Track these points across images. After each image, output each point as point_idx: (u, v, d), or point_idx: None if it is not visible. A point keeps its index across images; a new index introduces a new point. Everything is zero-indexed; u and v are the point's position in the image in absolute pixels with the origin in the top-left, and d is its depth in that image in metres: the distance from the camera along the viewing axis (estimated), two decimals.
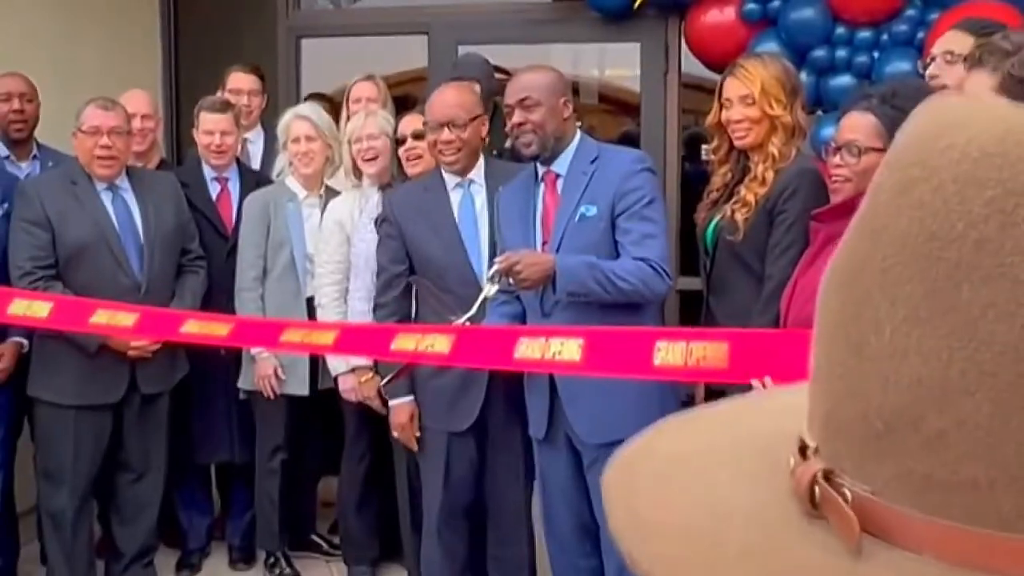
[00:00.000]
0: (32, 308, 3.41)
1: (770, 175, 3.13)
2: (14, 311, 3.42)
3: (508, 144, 4.06)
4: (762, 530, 0.57)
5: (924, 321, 0.51)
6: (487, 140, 3.74)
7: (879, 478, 0.53)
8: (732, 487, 0.60)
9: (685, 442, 0.67)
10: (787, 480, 0.57)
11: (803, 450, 0.58)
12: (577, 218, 3.21)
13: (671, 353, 2.55)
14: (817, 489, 0.55)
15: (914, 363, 0.51)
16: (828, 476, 0.55)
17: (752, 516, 0.58)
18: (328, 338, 3.19)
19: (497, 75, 4.66)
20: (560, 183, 3.29)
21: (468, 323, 2.95)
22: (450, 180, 3.61)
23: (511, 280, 3.03)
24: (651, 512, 0.61)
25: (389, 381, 3.39)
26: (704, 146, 4.65)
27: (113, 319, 3.35)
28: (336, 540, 4.57)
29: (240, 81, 4.86)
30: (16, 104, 4.30)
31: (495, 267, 3.02)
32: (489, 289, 3.03)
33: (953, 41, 3.35)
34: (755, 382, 2.45)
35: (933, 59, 3.39)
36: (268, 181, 4.45)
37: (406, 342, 3.00)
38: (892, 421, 0.52)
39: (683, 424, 0.71)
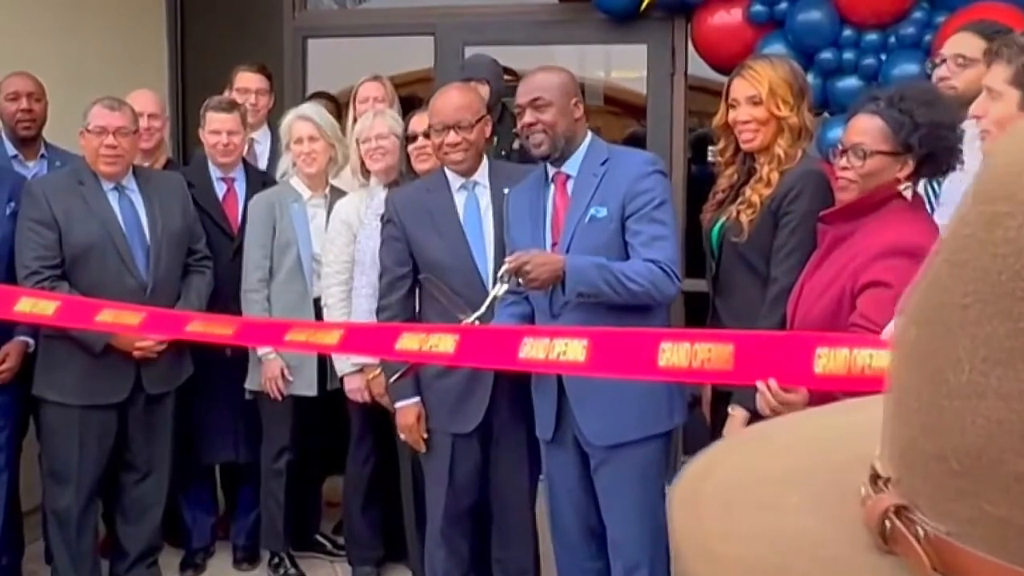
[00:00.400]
0: (38, 306, 3.41)
1: (775, 176, 3.13)
2: (21, 308, 3.42)
3: (516, 145, 4.06)
4: (829, 564, 0.56)
5: (1005, 362, 0.49)
6: (494, 141, 3.74)
7: (955, 518, 0.52)
8: (799, 515, 0.59)
9: (749, 463, 0.66)
10: (857, 509, 0.56)
11: (875, 479, 0.56)
12: (587, 219, 3.20)
13: (676, 354, 2.54)
14: (888, 523, 0.54)
15: (993, 404, 0.50)
16: (901, 511, 0.54)
17: (819, 548, 0.56)
18: (333, 337, 3.18)
19: (504, 76, 4.66)
20: (570, 184, 3.29)
21: (477, 323, 2.95)
22: (454, 181, 3.61)
23: (520, 280, 3.02)
24: (719, 544, 0.60)
25: (396, 379, 3.39)
26: (711, 147, 4.66)
27: (119, 318, 3.35)
28: (340, 540, 4.57)
29: (247, 80, 4.87)
30: (24, 103, 4.30)
31: (504, 267, 3.01)
32: (498, 289, 3.02)
33: (963, 44, 3.35)
34: (759, 384, 2.45)
35: (943, 61, 3.39)
36: (274, 181, 4.46)
37: (411, 342, 2.99)
38: (970, 462, 0.51)
39: (746, 442, 0.70)
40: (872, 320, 2.48)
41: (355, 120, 4.41)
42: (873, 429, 0.58)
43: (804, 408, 0.82)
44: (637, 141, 5.47)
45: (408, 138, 3.89)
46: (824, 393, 2.27)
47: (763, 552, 0.58)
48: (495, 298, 3.05)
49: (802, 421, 0.72)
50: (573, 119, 3.27)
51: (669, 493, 0.66)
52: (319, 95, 5.35)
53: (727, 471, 0.66)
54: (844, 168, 2.75)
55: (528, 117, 3.24)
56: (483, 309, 2.99)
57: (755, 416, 3.03)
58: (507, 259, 3.05)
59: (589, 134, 3.35)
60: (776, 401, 2.40)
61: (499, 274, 3.03)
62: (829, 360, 2.23)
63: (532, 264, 3.00)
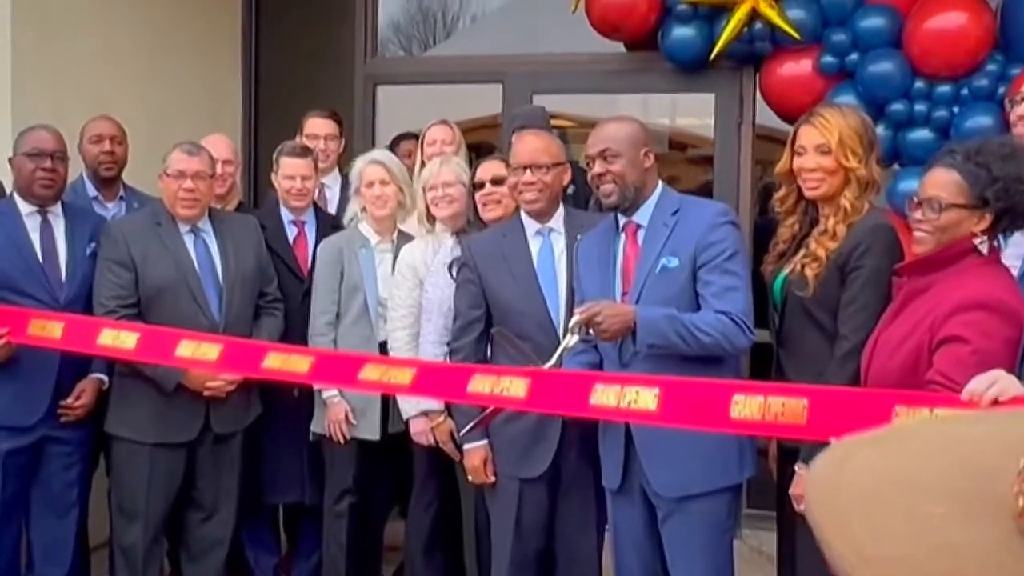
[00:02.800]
0: (120, 338, 3.48)
1: (841, 229, 3.08)
2: (103, 342, 3.49)
3: (584, 196, 4.08)
4: (998, 572, 0.57)
5: None
6: (570, 189, 3.76)
7: None
8: (952, 524, 0.60)
9: (885, 464, 0.67)
10: (1009, 520, 0.58)
11: None
12: (658, 269, 3.18)
13: (748, 407, 2.52)
14: None
15: None
16: None
17: (986, 558, 0.58)
18: (406, 376, 3.19)
19: (572, 125, 4.70)
20: (641, 234, 3.27)
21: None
22: (530, 227, 3.63)
23: (591, 331, 3.00)
24: (874, 546, 0.61)
25: (470, 430, 3.39)
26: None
27: (198, 351, 3.40)
28: None
29: (317, 126, 4.94)
30: (107, 146, 4.42)
31: (576, 317, 2.99)
32: (569, 340, 3.00)
33: None
34: (833, 440, 2.42)
35: (1023, 99, 3.35)
36: (344, 226, 4.51)
37: (482, 384, 3.00)
38: None
39: (874, 445, 0.71)
40: (950, 378, 2.44)
41: (423, 164, 4.46)
42: (1007, 441, 0.60)
43: None
44: (704, 190, 5.46)
45: (475, 185, 3.92)
46: None
47: (922, 558, 0.59)
48: (565, 349, 3.03)
49: (927, 428, 0.74)
50: (643, 169, 3.26)
51: (807, 492, 0.68)
52: (405, 136, 5.39)
53: (863, 470, 0.68)
54: (919, 221, 2.71)
55: (598, 168, 3.24)
56: (553, 360, 2.98)
57: None
58: (577, 310, 3.03)
59: (660, 184, 3.34)
60: None
61: (570, 325, 3.01)
62: (908, 419, 2.21)
63: (603, 315, 2.97)
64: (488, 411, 3.17)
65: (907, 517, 0.62)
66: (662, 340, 3.03)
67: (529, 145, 3.63)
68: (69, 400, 4.01)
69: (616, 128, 3.31)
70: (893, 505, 0.63)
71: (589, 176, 3.32)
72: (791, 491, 3.12)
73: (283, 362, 3.33)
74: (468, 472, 3.70)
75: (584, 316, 2.97)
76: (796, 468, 3.08)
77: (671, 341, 3.03)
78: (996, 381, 2.15)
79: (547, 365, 2.94)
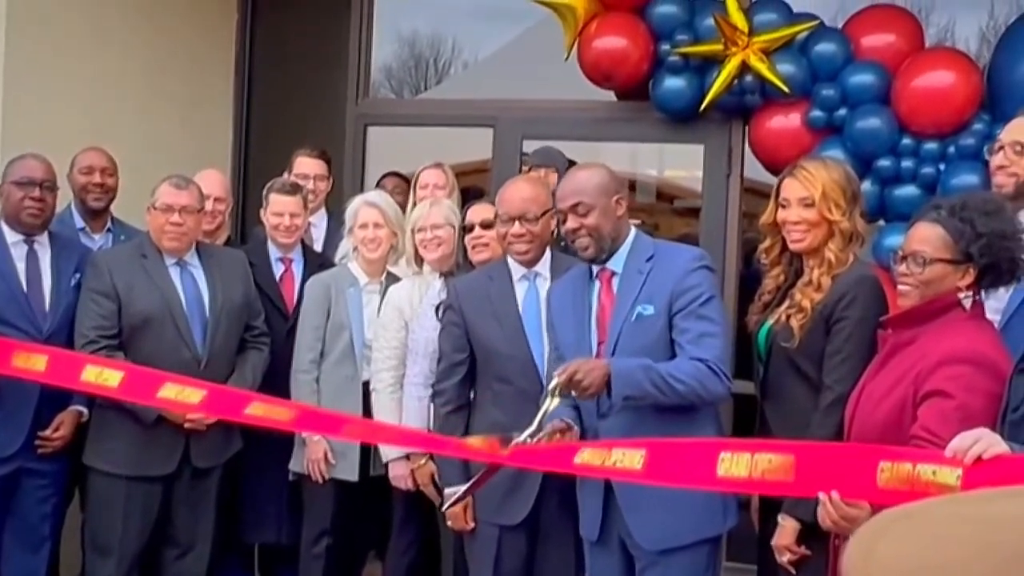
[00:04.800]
0: (103, 376, 3.45)
1: (826, 281, 3.09)
2: (86, 378, 3.47)
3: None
4: None
5: None
6: (556, 233, 3.76)
7: None
8: None
9: (914, 551, 0.66)
10: None
11: None
12: (634, 317, 3.15)
13: (735, 464, 2.52)
14: None
15: None
16: None
17: None
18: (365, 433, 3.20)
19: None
20: (616, 281, 3.24)
21: (529, 439, 2.91)
22: (516, 271, 3.62)
23: (574, 392, 2.96)
24: None
25: (455, 503, 3.37)
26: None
27: (181, 394, 3.38)
28: None
29: (307, 166, 4.96)
30: (97, 178, 4.42)
31: (555, 381, 2.94)
32: (550, 403, 2.95)
33: (1021, 131, 3.35)
34: (822, 496, 2.41)
35: (1001, 148, 3.38)
36: (331, 264, 4.50)
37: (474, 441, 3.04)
38: None
39: (902, 526, 0.70)
40: (934, 432, 2.44)
41: (414, 205, 4.47)
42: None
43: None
44: (691, 241, 5.47)
45: (465, 228, 3.92)
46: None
47: None
48: (546, 412, 2.98)
49: (956, 507, 0.72)
50: (616, 217, 3.21)
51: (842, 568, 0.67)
52: (391, 175, 5.41)
53: (893, 556, 0.67)
54: (904, 275, 2.72)
55: (571, 223, 3.18)
56: (534, 426, 2.93)
57: (805, 526, 2.98)
58: (556, 373, 2.98)
59: (633, 230, 3.31)
60: (838, 514, 2.35)
61: (550, 388, 2.97)
62: (892, 474, 2.20)
63: (582, 372, 2.93)
64: (481, 474, 3.13)
65: None
66: (638, 391, 2.99)
67: (519, 194, 3.58)
68: (47, 431, 3.97)
69: (586, 179, 3.25)
70: None
71: (563, 231, 3.27)
72: (774, 542, 3.10)
73: (267, 411, 3.32)
74: (448, 518, 3.66)
75: (564, 378, 2.93)
76: (779, 519, 3.07)
77: (647, 392, 3.00)
78: (980, 438, 2.15)
79: (528, 431, 2.91)
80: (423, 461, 3.89)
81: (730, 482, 2.57)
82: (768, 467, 2.44)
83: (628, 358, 3.07)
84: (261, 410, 3.30)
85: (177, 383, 3.41)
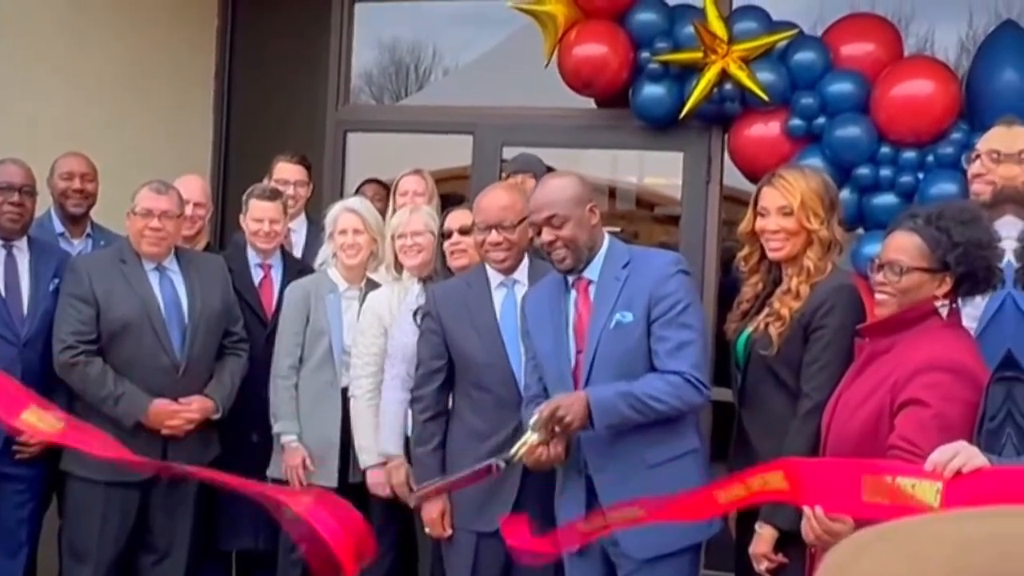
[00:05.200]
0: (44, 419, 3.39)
1: (805, 289, 3.09)
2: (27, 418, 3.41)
3: None
4: None
5: None
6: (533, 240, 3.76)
7: None
8: None
9: (889, 572, 0.67)
10: None
11: None
12: (612, 325, 3.15)
13: (732, 492, 2.59)
14: None
15: None
16: None
17: None
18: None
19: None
20: (592, 289, 3.23)
21: (505, 464, 2.93)
22: (494, 278, 3.61)
23: (557, 428, 2.99)
24: None
25: (423, 495, 3.37)
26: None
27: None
28: None
29: (287, 172, 4.95)
30: (77, 183, 4.41)
31: (535, 417, 2.97)
32: (530, 436, 3.00)
33: (998, 140, 3.38)
34: (806, 510, 2.42)
35: (978, 156, 3.40)
36: (311, 270, 4.49)
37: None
38: None
39: (878, 547, 0.70)
40: (911, 442, 2.45)
41: (394, 211, 4.46)
42: (999, 548, 0.59)
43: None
44: (670, 248, 5.48)
45: (444, 235, 3.92)
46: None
47: None
48: (524, 444, 3.01)
49: (933, 527, 0.73)
50: (591, 227, 3.20)
51: None
52: (371, 181, 5.40)
53: (869, 572, 0.67)
54: (881, 283, 2.73)
55: (547, 235, 3.17)
56: (512, 452, 2.97)
57: (782, 534, 2.99)
58: (537, 410, 3.01)
59: (607, 237, 3.30)
60: (821, 529, 2.36)
61: (531, 423, 3.00)
62: (873, 488, 2.21)
63: (564, 409, 2.96)
64: (448, 481, 3.12)
65: None
66: (619, 419, 3.02)
67: (496, 203, 3.56)
68: (24, 436, 3.94)
69: (558, 190, 3.23)
70: None
71: (538, 243, 3.27)
72: (751, 550, 3.10)
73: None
74: (425, 524, 3.66)
75: (545, 415, 2.95)
76: (756, 527, 3.07)
77: (628, 417, 3.02)
78: (959, 452, 2.16)
79: (506, 456, 2.93)
80: (398, 462, 3.89)
81: (733, 504, 2.66)
82: (763, 486, 2.47)
83: (604, 385, 3.08)
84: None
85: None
